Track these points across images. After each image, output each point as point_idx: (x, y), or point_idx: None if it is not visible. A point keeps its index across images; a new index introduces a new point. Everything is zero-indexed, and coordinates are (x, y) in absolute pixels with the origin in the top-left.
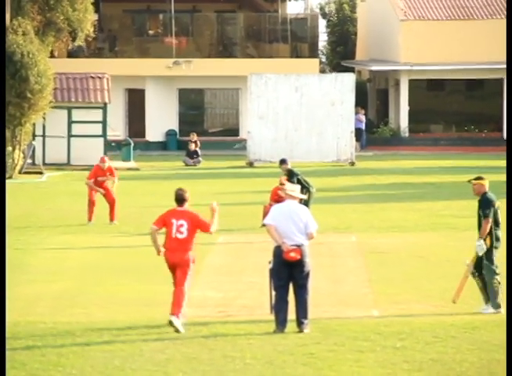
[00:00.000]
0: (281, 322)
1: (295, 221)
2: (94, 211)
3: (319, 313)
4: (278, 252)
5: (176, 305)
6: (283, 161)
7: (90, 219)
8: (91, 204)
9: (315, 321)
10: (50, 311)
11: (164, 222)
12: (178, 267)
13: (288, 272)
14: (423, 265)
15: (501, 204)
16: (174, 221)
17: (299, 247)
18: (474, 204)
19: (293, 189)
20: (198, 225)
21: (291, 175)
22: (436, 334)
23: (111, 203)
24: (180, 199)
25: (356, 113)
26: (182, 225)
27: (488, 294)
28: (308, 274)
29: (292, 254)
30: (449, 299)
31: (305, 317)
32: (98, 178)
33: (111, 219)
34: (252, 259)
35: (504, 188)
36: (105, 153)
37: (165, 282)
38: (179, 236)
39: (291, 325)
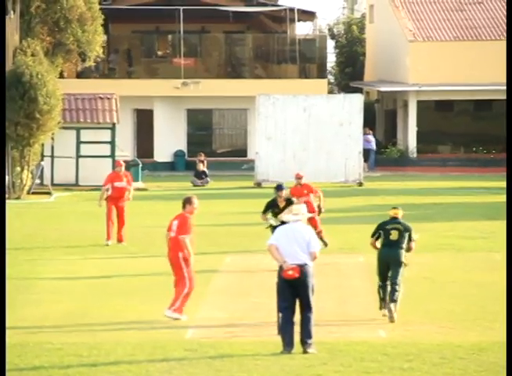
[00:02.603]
0: (288, 343)
1: (298, 241)
2: (112, 231)
3: (325, 334)
4: (278, 273)
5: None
6: (279, 188)
7: (109, 238)
8: (110, 223)
9: (321, 342)
10: (57, 331)
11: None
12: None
13: (292, 293)
14: (429, 286)
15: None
16: (173, 222)
17: (300, 267)
18: (481, 225)
19: (299, 209)
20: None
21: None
22: (443, 356)
23: (121, 223)
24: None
25: (364, 133)
26: (173, 225)
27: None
28: (311, 294)
29: (290, 273)
30: (456, 321)
31: (309, 337)
32: (115, 183)
33: (119, 240)
34: (259, 280)
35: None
36: None
37: (170, 303)
38: (172, 234)
39: (299, 346)
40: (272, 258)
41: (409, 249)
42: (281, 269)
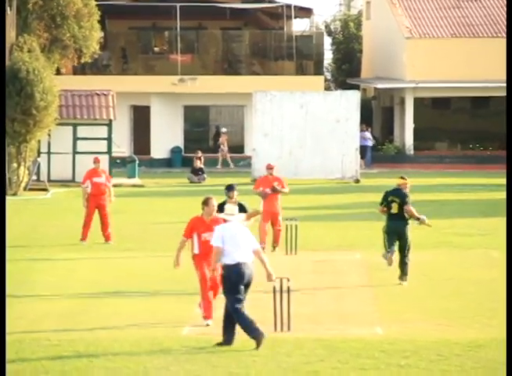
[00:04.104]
0: (258, 332)
1: (243, 239)
2: (88, 232)
3: (322, 331)
4: (233, 271)
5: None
6: (230, 188)
7: (84, 238)
8: (88, 223)
9: (318, 338)
10: (54, 328)
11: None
12: None
13: (243, 289)
14: (426, 283)
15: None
16: None
17: (248, 264)
18: (478, 222)
19: (233, 210)
20: None
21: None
22: (440, 352)
23: (104, 222)
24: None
25: (361, 130)
26: None
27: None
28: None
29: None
30: (453, 318)
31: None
32: (93, 179)
33: (107, 239)
34: (255, 276)
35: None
36: (110, 170)
37: (168, 300)
38: None
39: (294, 343)
40: (212, 257)
41: (408, 212)
42: (229, 268)
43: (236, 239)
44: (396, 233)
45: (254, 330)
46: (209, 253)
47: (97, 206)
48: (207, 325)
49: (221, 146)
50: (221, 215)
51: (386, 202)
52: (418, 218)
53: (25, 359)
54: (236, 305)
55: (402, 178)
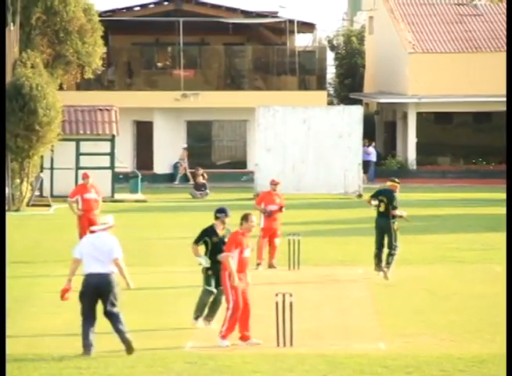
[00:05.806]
0: (88, 346)
1: (101, 250)
2: None
3: (325, 346)
4: (85, 280)
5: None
6: (226, 213)
7: None
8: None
9: (321, 354)
10: (57, 343)
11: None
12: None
13: (96, 300)
14: (429, 298)
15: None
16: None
17: (104, 275)
18: (481, 237)
19: (107, 219)
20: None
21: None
22: (443, 368)
23: None
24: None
25: (364, 145)
26: None
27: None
28: (115, 301)
29: (66, 296)
30: (456, 333)
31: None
32: (84, 195)
33: None
34: (258, 292)
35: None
36: (113, 186)
37: (170, 315)
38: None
39: (297, 359)
40: (70, 268)
41: (393, 216)
42: (84, 277)
43: (94, 249)
44: (382, 229)
45: (86, 343)
46: (244, 270)
47: (88, 222)
48: (227, 346)
49: (181, 162)
50: (94, 227)
51: (377, 199)
52: (401, 216)
53: (27, 375)
54: (83, 313)
55: (393, 180)
